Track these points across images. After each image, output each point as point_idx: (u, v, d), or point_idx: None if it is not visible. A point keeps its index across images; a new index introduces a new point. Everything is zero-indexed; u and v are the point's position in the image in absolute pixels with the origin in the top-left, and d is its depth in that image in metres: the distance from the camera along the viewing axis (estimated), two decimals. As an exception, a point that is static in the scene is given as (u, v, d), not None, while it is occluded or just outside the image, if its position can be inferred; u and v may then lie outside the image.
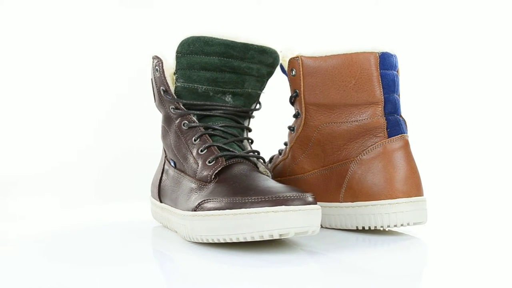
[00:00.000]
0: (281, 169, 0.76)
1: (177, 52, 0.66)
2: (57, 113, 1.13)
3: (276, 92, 0.79)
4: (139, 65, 1.06)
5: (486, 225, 0.79)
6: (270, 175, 0.67)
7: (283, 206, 0.55)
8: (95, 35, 1.15)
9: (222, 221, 0.57)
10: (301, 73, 0.71)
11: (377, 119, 0.69)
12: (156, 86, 0.70)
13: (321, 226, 0.72)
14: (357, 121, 0.69)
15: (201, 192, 0.63)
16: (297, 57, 0.71)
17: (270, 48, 0.69)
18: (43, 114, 1.12)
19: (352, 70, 0.68)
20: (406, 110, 0.73)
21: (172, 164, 0.70)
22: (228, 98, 0.68)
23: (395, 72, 0.70)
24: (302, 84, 0.71)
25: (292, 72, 0.72)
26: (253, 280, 0.50)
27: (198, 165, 0.65)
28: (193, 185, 0.65)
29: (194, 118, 0.67)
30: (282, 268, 0.53)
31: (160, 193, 0.73)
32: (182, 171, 0.68)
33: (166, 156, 0.72)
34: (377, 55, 0.68)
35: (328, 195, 0.70)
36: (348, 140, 0.69)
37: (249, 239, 0.56)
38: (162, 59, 0.68)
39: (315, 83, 0.71)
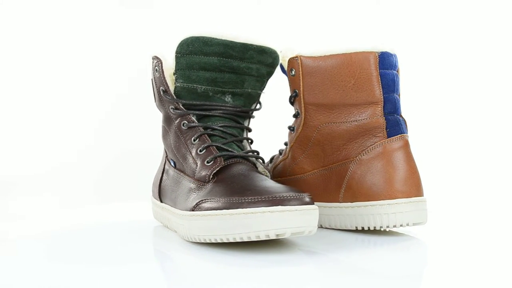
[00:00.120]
0: (281, 169, 0.76)
1: (176, 52, 0.66)
2: (57, 113, 1.13)
3: (276, 92, 0.79)
4: (139, 65, 1.06)
5: (486, 225, 0.79)
6: (269, 175, 0.67)
7: (280, 206, 0.55)
8: (95, 35, 1.15)
9: (219, 221, 0.57)
10: (300, 73, 0.71)
11: (377, 119, 0.68)
12: (156, 86, 0.70)
13: (321, 226, 0.72)
14: (356, 121, 0.69)
15: (199, 192, 0.63)
16: (296, 57, 0.71)
17: (269, 48, 0.69)
18: (43, 114, 1.12)
19: (351, 69, 0.68)
20: (406, 110, 0.73)
21: (172, 164, 0.70)
22: (228, 98, 0.68)
23: (395, 72, 0.70)
24: (301, 84, 0.71)
25: (291, 72, 0.72)
26: (251, 281, 0.50)
27: (197, 165, 0.65)
28: (192, 185, 0.65)
29: (194, 118, 0.68)
30: (282, 268, 0.53)
31: (161, 193, 0.73)
32: (182, 171, 0.68)
33: (167, 156, 0.72)
34: (377, 54, 0.68)
35: (328, 195, 0.70)
36: (348, 140, 0.69)
37: (245, 239, 0.56)
38: (161, 59, 0.69)
39: (314, 83, 0.71)
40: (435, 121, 1.23)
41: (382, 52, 0.68)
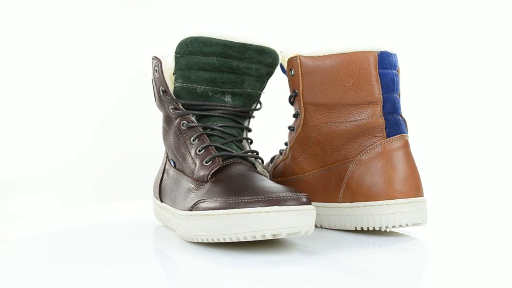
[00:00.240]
0: (282, 169, 0.76)
1: (176, 52, 0.66)
2: (57, 113, 1.13)
3: (276, 92, 0.79)
4: (139, 65, 1.06)
5: (486, 225, 0.79)
6: (268, 175, 0.67)
7: (276, 207, 0.55)
8: (95, 35, 1.15)
9: (216, 221, 0.57)
10: (300, 72, 0.71)
11: (376, 119, 0.68)
12: (156, 87, 0.70)
13: (320, 227, 0.72)
14: (355, 121, 0.69)
15: (197, 192, 0.63)
16: (295, 56, 0.71)
17: (269, 48, 0.69)
18: (43, 114, 1.12)
19: (351, 69, 0.68)
20: (406, 110, 0.73)
21: (172, 164, 0.70)
22: (228, 98, 0.68)
23: (395, 72, 0.70)
24: (300, 84, 0.71)
25: (291, 72, 0.72)
26: (249, 281, 0.50)
27: (195, 165, 0.65)
28: (191, 185, 0.65)
29: (193, 118, 0.68)
30: (280, 268, 0.53)
31: (161, 193, 0.73)
32: (181, 171, 0.68)
33: (167, 156, 0.73)
34: (376, 54, 0.68)
35: (327, 195, 0.70)
36: (347, 140, 0.69)
37: (242, 239, 0.56)
38: (161, 59, 0.69)
39: (313, 83, 0.71)
40: (435, 121, 1.23)
41: (381, 52, 0.68)
